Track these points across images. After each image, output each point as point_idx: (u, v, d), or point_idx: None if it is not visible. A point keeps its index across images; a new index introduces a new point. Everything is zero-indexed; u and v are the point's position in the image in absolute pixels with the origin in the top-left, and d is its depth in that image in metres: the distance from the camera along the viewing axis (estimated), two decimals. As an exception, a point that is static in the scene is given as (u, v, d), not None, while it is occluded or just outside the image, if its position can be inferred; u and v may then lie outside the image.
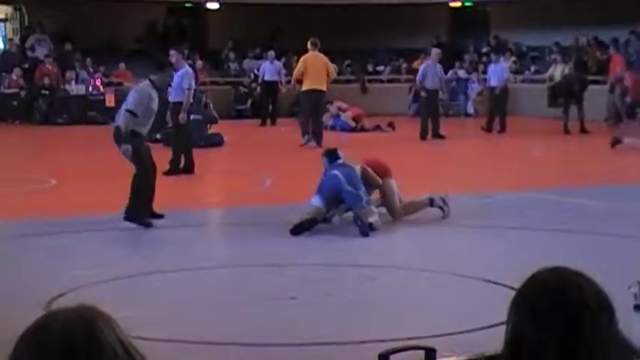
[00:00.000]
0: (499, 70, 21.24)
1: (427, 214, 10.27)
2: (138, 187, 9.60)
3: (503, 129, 20.65)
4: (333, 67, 18.50)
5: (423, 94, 19.50)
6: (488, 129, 20.72)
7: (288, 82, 22.83)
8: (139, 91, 10.00)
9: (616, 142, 16.86)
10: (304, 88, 17.95)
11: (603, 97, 21.93)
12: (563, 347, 1.92)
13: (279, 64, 23.92)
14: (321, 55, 18.03)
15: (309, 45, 18.15)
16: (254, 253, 8.51)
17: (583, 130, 20.28)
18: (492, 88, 21.16)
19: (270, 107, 23.87)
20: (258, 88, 24.80)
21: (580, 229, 9.33)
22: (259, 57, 26.64)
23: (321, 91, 17.85)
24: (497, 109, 20.90)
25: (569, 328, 1.93)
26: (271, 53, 23.87)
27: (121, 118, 9.83)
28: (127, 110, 9.78)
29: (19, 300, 6.59)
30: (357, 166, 9.79)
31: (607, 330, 1.95)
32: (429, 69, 19.31)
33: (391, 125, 21.36)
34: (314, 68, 17.74)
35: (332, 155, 9.94)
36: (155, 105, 10.06)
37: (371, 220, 9.24)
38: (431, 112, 19.32)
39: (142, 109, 9.81)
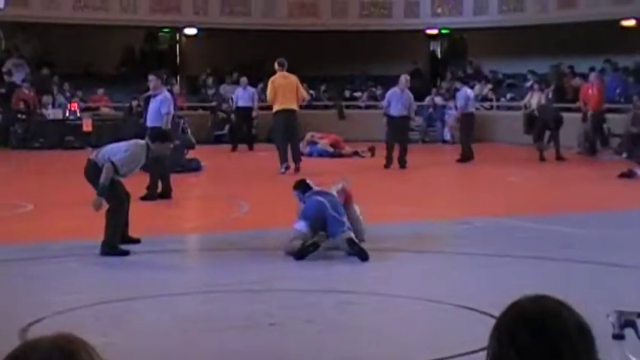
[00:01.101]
0: (460, 98, 21.33)
1: (405, 241, 10.29)
2: (113, 221, 9.50)
3: (461, 158, 20.22)
4: (304, 91, 18.34)
5: (384, 121, 19.11)
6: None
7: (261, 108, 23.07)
8: (132, 152, 9.65)
9: (631, 174, 16.70)
10: (275, 109, 17.72)
11: (578, 125, 22.08)
12: (543, 376, 1.93)
13: (252, 90, 23.93)
14: (291, 75, 17.80)
15: (276, 65, 17.95)
16: (232, 278, 8.47)
17: (559, 158, 20.40)
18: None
19: (246, 133, 23.84)
20: (232, 115, 24.82)
21: (557, 256, 9.36)
22: (237, 83, 26.70)
23: (292, 111, 17.61)
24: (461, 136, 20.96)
25: (548, 356, 1.93)
26: (244, 79, 23.88)
27: (101, 160, 9.53)
28: (112, 162, 9.46)
29: (-5, 326, 6.53)
30: (334, 192, 9.82)
31: (587, 359, 1.96)
32: (393, 96, 18.98)
33: (371, 150, 21.41)
34: (284, 89, 17.53)
35: (302, 186, 9.94)
36: (140, 167, 10.01)
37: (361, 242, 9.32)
38: (398, 140, 18.86)
39: (127, 170, 9.68)
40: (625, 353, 3.61)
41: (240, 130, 23.94)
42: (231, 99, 25.59)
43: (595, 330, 2.00)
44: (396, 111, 18.86)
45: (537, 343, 1.93)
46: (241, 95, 23.73)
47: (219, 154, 22.34)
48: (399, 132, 18.91)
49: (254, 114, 23.72)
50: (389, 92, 19.63)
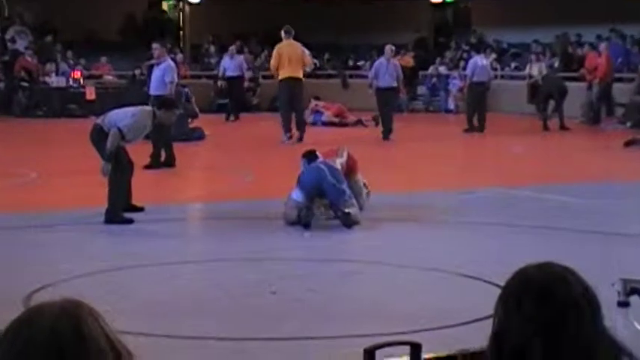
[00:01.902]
0: (468, 67, 21.20)
1: (408, 211, 10.30)
2: (116, 189, 9.50)
3: (468, 128, 20.10)
4: (310, 58, 18.14)
5: (369, 91, 18.72)
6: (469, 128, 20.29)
7: (251, 79, 22.86)
8: (139, 118, 9.65)
9: (633, 142, 16.64)
10: (280, 77, 17.57)
11: (583, 94, 22.02)
12: (548, 341, 1.93)
13: (240, 58, 23.66)
14: (296, 43, 17.63)
15: (282, 33, 17.79)
16: (235, 247, 8.49)
17: (563, 127, 20.36)
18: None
19: (234, 102, 23.53)
20: (218, 83, 24.45)
21: (561, 225, 9.36)
22: (240, 51, 26.58)
23: (297, 79, 17.45)
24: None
25: (554, 322, 1.93)
26: (232, 48, 23.56)
27: (107, 125, 9.50)
28: (119, 128, 9.46)
29: (-1, 293, 6.55)
30: (338, 165, 9.79)
31: (592, 325, 1.96)
32: (381, 67, 18.57)
33: (375, 119, 21.29)
34: (289, 56, 17.38)
35: (311, 156, 9.92)
36: (145, 133, 10.00)
37: (348, 210, 9.25)
38: (387, 110, 18.53)
39: (133, 136, 9.67)
40: (630, 320, 3.62)
41: (231, 100, 23.60)
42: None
43: (600, 297, 1.99)
44: (383, 82, 18.47)
45: (543, 309, 1.93)
46: (228, 64, 23.24)
47: (222, 123, 22.31)
48: (385, 103, 18.51)
49: (246, 84, 23.56)
50: (376, 63, 19.27)
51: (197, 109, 19.38)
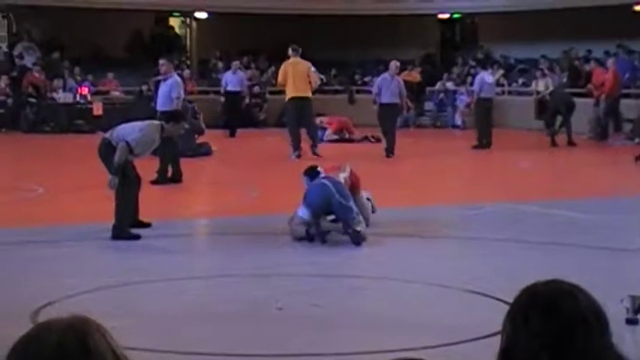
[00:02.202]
0: (475, 82, 21.15)
1: (414, 226, 10.29)
2: (123, 204, 9.50)
3: (478, 144, 19.91)
4: (317, 76, 18.09)
5: (374, 107, 18.36)
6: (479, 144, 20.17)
7: (258, 95, 22.71)
8: (147, 132, 9.68)
9: None
10: (288, 96, 17.62)
11: (591, 110, 22.00)
12: (555, 355, 1.92)
13: (242, 74, 23.70)
14: (303, 61, 17.62)
15: (289, 51, 17.78)
16: (241, 263, 8.48)
17: (570, 143, 20.33)
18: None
19: (235, 118, 23.48)
20: (222, 99, 24.42)
21: (569, 241, 9.33)
22: (247, 67, 26.62)
23: (305, 98, 17.45)
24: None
25: (560, 336, 1.92)
26: (235, 63, 23.61)
27: (116, 139, 9.52)
28: (127, 142, 9.48)
29: (5, 309, 6.55)
30: (341, 179, 9.77)
31: (600, 341, 1.95)
32: (384, 82, 18.31)
33: (375, 137, 21.15)
34: (295, 75, 17.37)
35: (312, 173, 9.90)
36: (154, 148, 10.01)
37: (358, 228, 9.23)
38: (389, 126, 18.22)
39: (141, 150, 9.70)
40: (638, 338, 3.60)
41: (232, 115, 23.56)
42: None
43: (608, 314, 1.98)
44: (385, 98, 18.19)
45: (549, 323, 1.92)
46: (230, 79, 23.20)
47: (228, 138, 22.33)
48: (387, 118, 18.20)
49: (247, 100, 23.59)
50: (379, 78, 19.03)
51: (204, 125, 19.39)
